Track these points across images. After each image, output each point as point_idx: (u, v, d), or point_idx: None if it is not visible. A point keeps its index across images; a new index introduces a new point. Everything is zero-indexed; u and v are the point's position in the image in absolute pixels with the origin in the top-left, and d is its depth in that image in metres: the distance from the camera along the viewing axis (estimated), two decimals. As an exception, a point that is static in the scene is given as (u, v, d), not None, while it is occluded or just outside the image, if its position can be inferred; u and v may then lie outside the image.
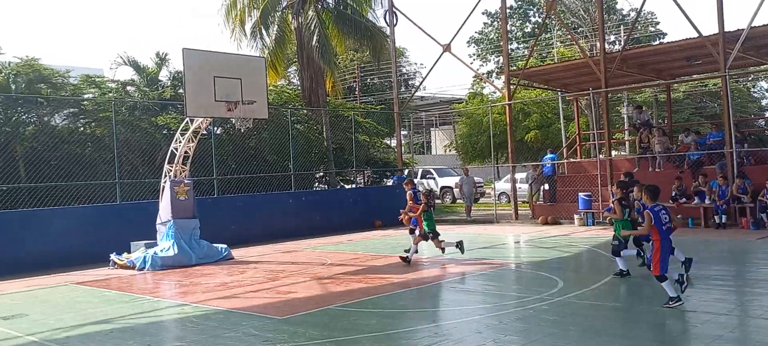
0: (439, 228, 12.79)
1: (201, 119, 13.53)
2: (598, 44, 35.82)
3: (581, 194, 18.15)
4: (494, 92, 43.21)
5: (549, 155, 20.41)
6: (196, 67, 12.71)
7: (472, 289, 9.88)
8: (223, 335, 7.46)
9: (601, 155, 19.13)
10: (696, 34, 17.04)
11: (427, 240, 12.26)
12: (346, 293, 9.77)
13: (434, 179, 30.75)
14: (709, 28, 44.06)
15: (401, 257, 12.31)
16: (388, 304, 8.89)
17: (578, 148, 23.09)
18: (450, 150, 44.03)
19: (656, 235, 7.54)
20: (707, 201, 16.67)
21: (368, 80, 45.60)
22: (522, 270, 11.44)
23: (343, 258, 13.58)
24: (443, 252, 12.44)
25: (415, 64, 52.70)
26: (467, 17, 22.28)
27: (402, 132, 40.92)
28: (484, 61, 52.05)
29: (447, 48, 21.07)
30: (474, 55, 52.47)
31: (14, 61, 19.14)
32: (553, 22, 48.87)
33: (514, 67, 46.26)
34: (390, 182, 24.30)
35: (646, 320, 7.29)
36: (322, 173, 24.71)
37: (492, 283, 10.27)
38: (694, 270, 8.69)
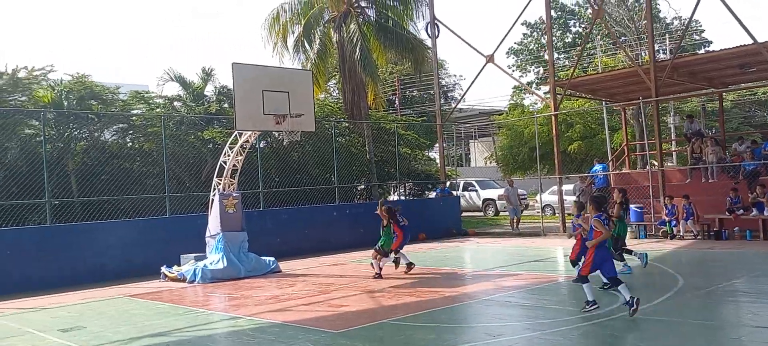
0: (478, 240, 12.59)
1: (249, 133, 13.62)
2: (643, 53, 35.18)
3: (632, 206, 17.67)
4: (535, 103, 42.80)
5: (598, 166, 19.92)
6: (246, 81, 12.81)
7: (528, 303, 9.65)
8: (280, 349, 7.42)
9: (652, 166, 18.64)
10: (750, 41, 16.52)
11: (386, 256, 12.58)
12: (400, 306, 9.65)
13: (476, 191, 30.44)
14: (764, 34, 42.86)
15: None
16: (443, 318, 8.73)
17: (627, 158, 22.56)
18: (490, 162, 43.62)
19: (596, 242, 8.18)
20: (766, 212, 16.07)
21: (407, 93, 45.57)
22: (573, 285, 11.12)
23: (390, 271, 13.44)
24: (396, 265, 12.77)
25: (455, 75, 52.50)
26: (510, 28, 22.13)
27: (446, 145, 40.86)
28: (523, 72, 51.63)
29: (490, 59, 20.89)
30: (513, 66, 52.09)
31: (66, 79, 19.66)
32: (596, 31, 48.25)
33: (556, 78, 45.90)
34: (433, 195, 24.11)
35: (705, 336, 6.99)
36: (363, 186, 24.69)
37: (548, 297, 10.01)
38: (756, 285, 8.34)
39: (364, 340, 7.65)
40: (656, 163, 19.36)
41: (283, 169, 20.78)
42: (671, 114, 35.92)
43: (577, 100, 30.36)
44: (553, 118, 20.03)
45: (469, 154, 58.13)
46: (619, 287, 8.12)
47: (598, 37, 47.41)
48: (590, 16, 49.57)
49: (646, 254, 11.84)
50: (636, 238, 17.57)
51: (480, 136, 55.16)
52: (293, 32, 23.97)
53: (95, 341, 8.33)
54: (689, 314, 8.41)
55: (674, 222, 17.17)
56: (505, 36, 22.79)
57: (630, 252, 11.80)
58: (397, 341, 7.53)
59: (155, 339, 8.30)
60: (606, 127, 29.13)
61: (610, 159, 22.00)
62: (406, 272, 12.56)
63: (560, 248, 16.48)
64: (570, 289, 10.78)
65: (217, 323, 9.17)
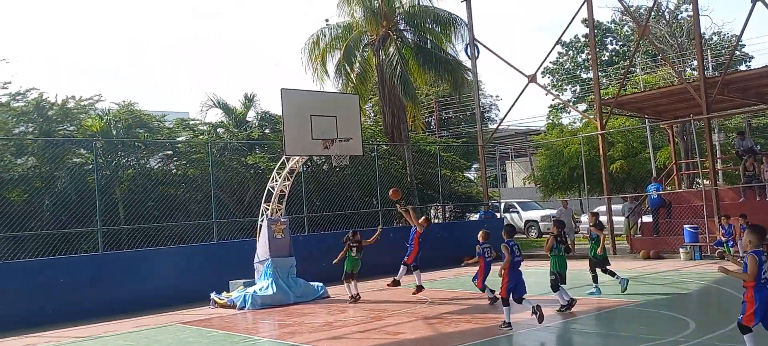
0: (525, 263, 12.28)
1: (297, 158, 13.59)
2: (686, 70, 34.50)
3: (687, 227, 17.16)
4: (573, 122, 42.23)
5: (653, 185, 19.39)
6: (294, 106, 12.82)
7: (595, 331, 9.32)
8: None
9: (698, 185, 18.10)
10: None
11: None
12: (459, 334, 9.42)
13: (518, 212, 29.99)
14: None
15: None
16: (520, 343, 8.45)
17: (675, 178, 21.99)
18: (528, 183, 43.07)
19: (507, 265, 9.36)
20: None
21: (443, 114, 45.46)
22: (644, 310, 10.72)
23: (442, 296, 13.22)
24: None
25: (491, 96, 52.22)
26: (552, 48, 21.89)
27: (477, 166, 40.49)
28: (559, 92, 51.10)
29: (533, 78, 20.64)
30: (549, 85, 51.64)
31: (114, 108, 20.01)
32: (636, 48, 47.57)
33: (591, 96, 45.23)
34: (475, 217, 23.81)
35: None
36: (393, 211, 24.43)
37: (616, 323, 9.66)
38: None
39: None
40: (705, 182, 18.83)
41: (323, 193, 20.75)
42: (716, 131, 35.06)
43: (617, 118, 29.84)
44: (600, 137, 19.62)
45: (505, 174, 57.57)
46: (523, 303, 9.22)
47: (636, 54, 46.78)
48: (627, 33, 49.03)
49: (627, 279, 11.98)
50: (691, 259, 17.02)
51: (516, 157, 54.64)
52: (333, 57, 24.09)
53: (156, 370, 8.27)
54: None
55: (731, 242, 16.58)
56: (547, 56, 22.52)
57: (613, 274, 12.04)
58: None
59: (215, 368, 8.21)
60: (650, 145, 28.49)
61: (653, 177, 21.35)
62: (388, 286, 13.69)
63: (615, 271, 16.00)
64: (636, 315, 10.39)
65: (274, 352, 9.04)
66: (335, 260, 13.48)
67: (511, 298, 9.44)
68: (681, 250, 17.26)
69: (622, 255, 19.08)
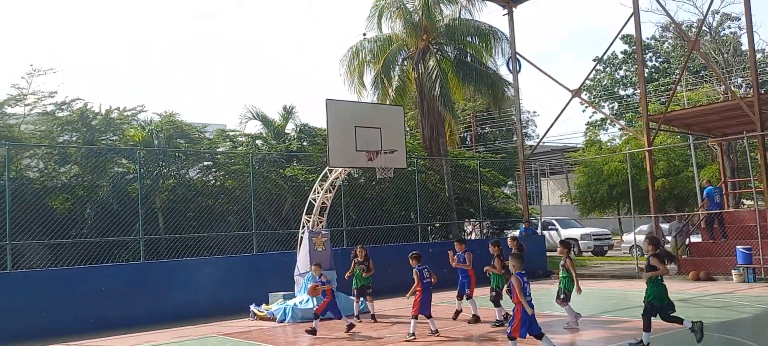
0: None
1: (340, 169, 13.41)
2: (733, 87, 33.57)
3: (740, 247, 16.49)
4: (613, 140, 41.43)
5: (710, 188, 18.63)
6: (338, 117, 12.66)
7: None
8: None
9: (746, 205, 17.42)
10: None
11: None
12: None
13: (557, 229, 29.38)
14: None
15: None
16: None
17: (725, 197, 21.22)
18: (565, 200, 42.34)
19: (419, 286, 10.53)
20: None
21: (478, 130, 45.05)
22: (707, 334, 10.17)
23: (487, 314, 12.81)
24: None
25: (528, 112, 51.67)
26: (596, 64, 21.36)
27: (512, 182, 39.89)
28: (596, 109, 50.28)
29: (577, 93, 20.21)
30: (585, 102, 50.86)
31: (155, 119, 20.14)
32: (675, 64, 46.60)
33: (631, 113, 44.31)
34: (514, 233, 23.31)
35: None
36: (438, 225, 24.12)
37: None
38: None
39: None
40: (750, 203, 18.09)
41: (360, 206, 20.53)
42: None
43: (657, 135, 29.09)
44: (646, 154, 19.05)
45: (540, 191, 56.79)
46: None
47: (677, 71, 45.80)
48: (668, 49, 48.10)
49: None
50: (744, 281, 16.34)
51: (551, 174, 53.86)
52: (370, 69, 23.98)
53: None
54: None
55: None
56: (591, 71, 22.06)
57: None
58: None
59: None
60: (694, 163, 27.66)
61: (707, 181, 20.46)
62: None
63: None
64: (692, 339, 9.87)
65: (321, 367, 8.78)
66: (347, 274, 13.33)
67: None
68: (733, 272, 16.60)
69: (670, 277, 18.41)
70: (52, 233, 15.09)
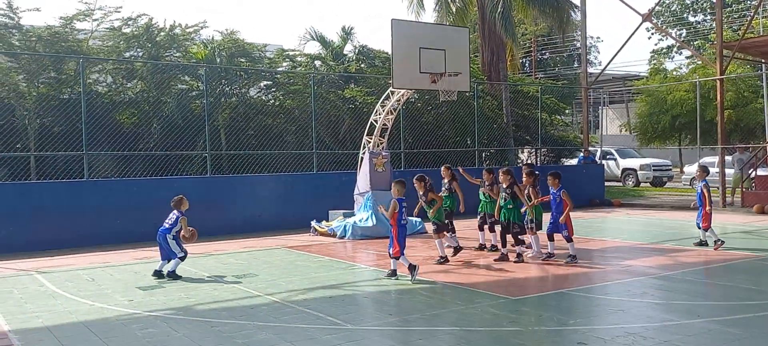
0: (628, 211, 11.73)
1: (403, 91, 13.40)
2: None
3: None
4: (679, 68, 39.80)
5: None
6: (403, 38, 12.56)
7: (719, 283, 8.80)
8: (464, 309, 7.18)
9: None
10: None
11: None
12: (573, 277, 9.14)
13: (616, 159, 28.85)
14: None
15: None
16: (622, 291, 8.10)
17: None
18: (625, 130, 41.29)
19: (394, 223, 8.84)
20: None
21: (538, 55, 43.90)
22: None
23: (543, 239, 12.87)
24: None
25: (591, 37, 49.93)
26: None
27: (569, 110, 38.95)
28: (663, 36, 48.13)
29: (647, 17, 19.38)
30: (652, 28, 48.72)
31: (217, 37, 20.36)
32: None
33: (701, 40, 42.22)
34: (572, 162, 23.04)
35: None
36: (492, 151, 23.96)
37: (738, 276, 9.08)
38: None
39: (549, 308, 7.25)
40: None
41: (416, 129, 20.55)
42: None
43: (731, 64, 27.74)
44: (718, 83, 18.29)
45: (598, 120, 55.49)
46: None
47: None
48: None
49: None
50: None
51: (610, 103, 52.37)
52: (433, -11, 23.47)
53: (272, 289, 8.49)
54: None
55: None
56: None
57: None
58: (592, 310, 7.05)
59: (330, 291, 8.34)
60: (765, 94, 26.39)
61: None
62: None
63: (731, 224, 15.15)
64: (752, 268, 9.74)
65: (385, 281, 9.06)
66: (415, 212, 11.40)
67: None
68: (802, 207, 16.10)
69: (734, 209, 18.02)
70: (120, 146, 15.73)
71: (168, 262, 9.49)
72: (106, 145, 15.56)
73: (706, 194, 11.12)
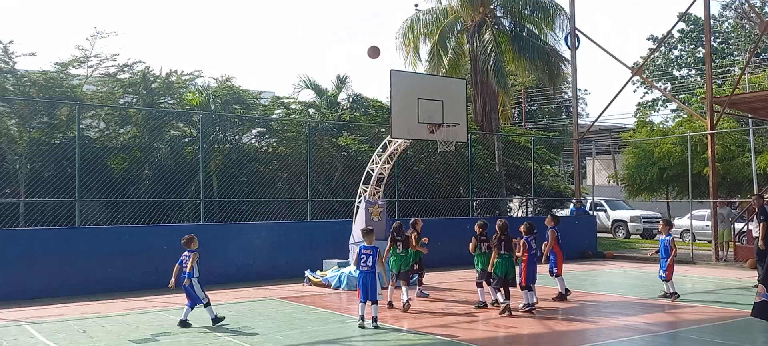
0: (622, 264, 11.72)
1: (399, 141, 13.41)
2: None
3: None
4: (665, 121, 40.42)
5: None
6: (402, 88, 12.64)
7: (724, 342, 8.71)
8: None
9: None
10: None
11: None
12: (574, 334, 9.02)
13: (605, 210, 28.96)
14: None
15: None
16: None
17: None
18: (612, 181, 41.61)
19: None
20: None
21: (528, 106, 44.43)
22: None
23: (540, 292, 12.76)
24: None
25: (580, 89, 50.71)
26: (662, 39, 20.69)
27: (557, 160, 39.22)
28: (648, 89, 48.95)
29: (638, 72, 19.71)
30: (637, 82, 49.60)
31: (212, 84, 20.40)
32: (734, 46, 44.94)
33: (686, 95, 43.00)
34: (564, 212, 23.08)
35: None
36: (478, 201, 23.94)
37: (743, 336, 9.00)
38: None
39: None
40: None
41: (408, 178, 20.53)
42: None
43: (719, 118, 28.20)
44: (709, 137, 18.52)
45: (585, 171, 55.93)
46: None
47: (737, 53, 44.21)
48: (727, 30, 46.43)
49: None
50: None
51: (597, 154, 52.85)
52: (426, 42, 23.79)
53: (270, 343, 8.28)
54: None
55: None
56: (653, 52, 21.40)
57: None
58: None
59: (329, 347, 8.15)
60: (752, 148, 26.80)
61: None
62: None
63: (725, 279, 15.15)
64: (763, 328, 9.64)
65: (385, 335, 8.88)
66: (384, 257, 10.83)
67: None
68: (796, 262, 16.11)
69: (726, 264, 18.03)
70: (110, 192, 15.53)
71: (191, 308, 9.44)
72: (96, 191, 15.35)
73: (674, 248, 11.78)
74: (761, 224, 12.29)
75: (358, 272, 9.60)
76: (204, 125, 17.55)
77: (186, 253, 9.61)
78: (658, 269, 12.01)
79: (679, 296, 11.61)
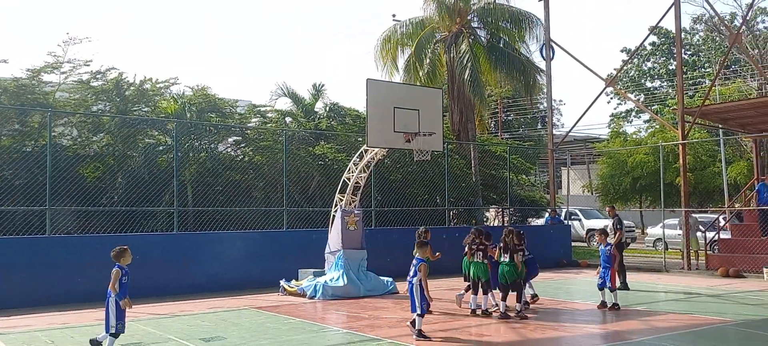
0: (595, 272, 12.06)
1: (376, 150, 13.41)
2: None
3: (774, 245, 16.31)
4: (638, 132, 41.07)
5: (761, 183, 18.37)
6: (378, 97, 12.67)
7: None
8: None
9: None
10: None
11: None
12: (548, 341, 9.05)
13: (580, 220, 29.24)
14: None
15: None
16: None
17: (756, 194, 20.94)
18: (587, 191, 42.11)
19: None
20: None
21: (504, 116, 44.78)
22: (749, 331, 10.04)
23: (513, 301, 12.81)
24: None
25: (555, 100, 51.27)
26: (635, 51, 21.03)
27: (533, 169, 39.62)
28: (622, 100, 49.71)
29: (612, 83, 19.98)
30: (611, 93, 50.33)
31: (188, 92, 20.22)
32: (705, 58, 45.87)
33: (659, 106, 43.76)
34: (539, 222, 23.25)
35: None
36: (455, 210, 24.03)
37: (722, 343, 9.10)
38: None
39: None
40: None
41: (385, 188, 20.54)
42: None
43: (690, 129, 28.76)
44: (681, 147, 18.82)
45: (560, 181, 56.50)
46: None
47: (708, 64, 45.12)
48: (698, 42, 47.38)
49: None
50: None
51: (572, 164, 53.45)
52: (403, 53, 23.89)
53: (243, 354, 8.18)
54: None
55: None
56: (626, 63, 21.74)
57: None
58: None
59: (303, 357, 8.07)
60: (723, 159, 27.36)
61: (760, 177, 20.07)
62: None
63: (696, 287, 15.34)
64: (745, 336, 9.77)
65: (362, 344, 8.82)
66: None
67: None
68: (765, 269, 16.45)
69: (699, 272, 18.30)
70: (82, 201, 15.27)
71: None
72: (68, 200, 15.09)
73: (617, 255, 12.21)
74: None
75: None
76: (179, 133, 17.39)
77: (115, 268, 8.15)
78: (597, 278, 11.89)
79: (619, 307, 11.46)
